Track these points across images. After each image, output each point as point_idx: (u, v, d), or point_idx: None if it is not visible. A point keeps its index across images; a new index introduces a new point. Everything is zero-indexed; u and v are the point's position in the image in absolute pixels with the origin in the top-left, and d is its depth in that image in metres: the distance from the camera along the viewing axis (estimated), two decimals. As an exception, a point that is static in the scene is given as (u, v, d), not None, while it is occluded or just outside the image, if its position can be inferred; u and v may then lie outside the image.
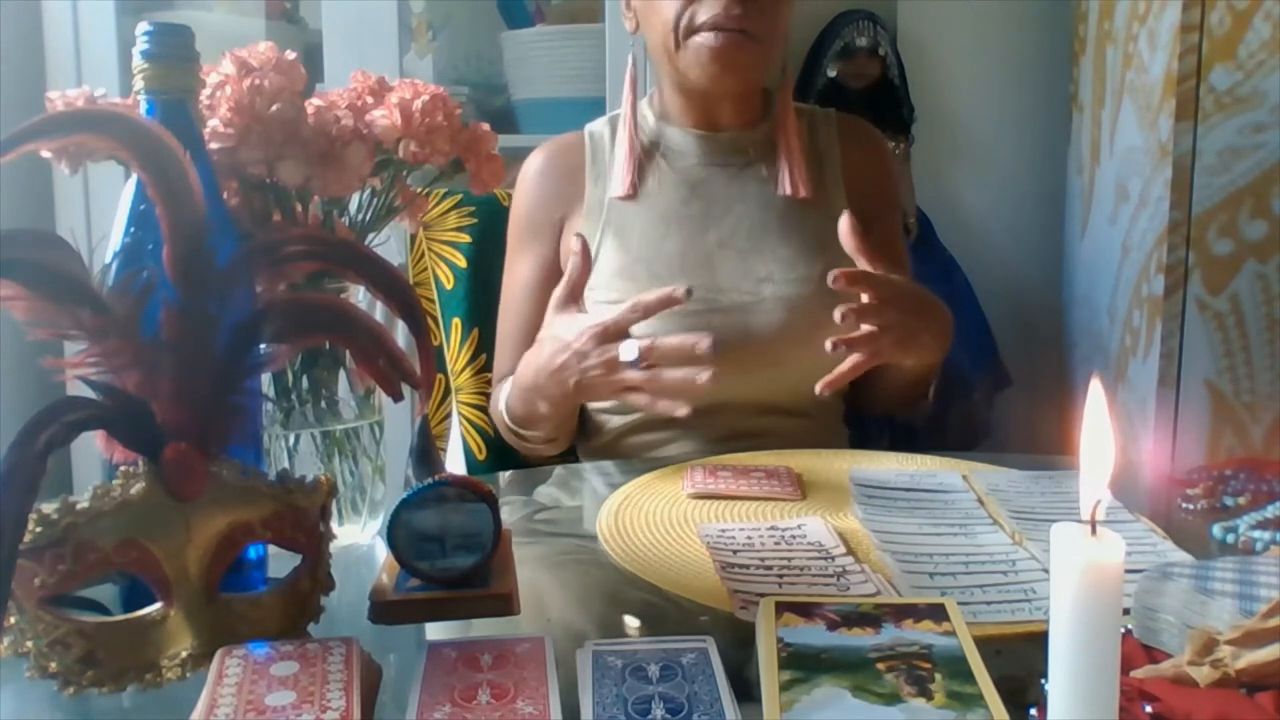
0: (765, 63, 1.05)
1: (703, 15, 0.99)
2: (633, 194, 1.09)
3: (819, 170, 1.11)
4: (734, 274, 1.05)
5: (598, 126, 1.16)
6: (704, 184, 1.09)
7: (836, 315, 0.85)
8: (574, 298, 0.94)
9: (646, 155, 1.11)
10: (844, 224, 0.94)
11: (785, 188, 1.08)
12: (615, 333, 0.89)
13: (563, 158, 1.14)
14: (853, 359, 0.89)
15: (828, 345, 0.87)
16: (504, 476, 0.95)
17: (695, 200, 1.09)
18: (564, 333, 0.92)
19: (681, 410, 0.86)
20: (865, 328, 0.87)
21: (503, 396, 1.05)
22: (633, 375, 0.88)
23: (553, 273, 1.12)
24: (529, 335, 1.12)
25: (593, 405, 1.10)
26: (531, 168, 1.15)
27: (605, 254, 1.08)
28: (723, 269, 1.06)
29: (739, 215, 1.08)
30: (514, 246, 1.15)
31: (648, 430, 1.07)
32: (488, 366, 1.21)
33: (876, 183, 1.15)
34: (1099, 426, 0.39)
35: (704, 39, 1.00)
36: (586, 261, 0.95)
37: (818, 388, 0.90)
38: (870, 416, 1.20)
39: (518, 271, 1.14)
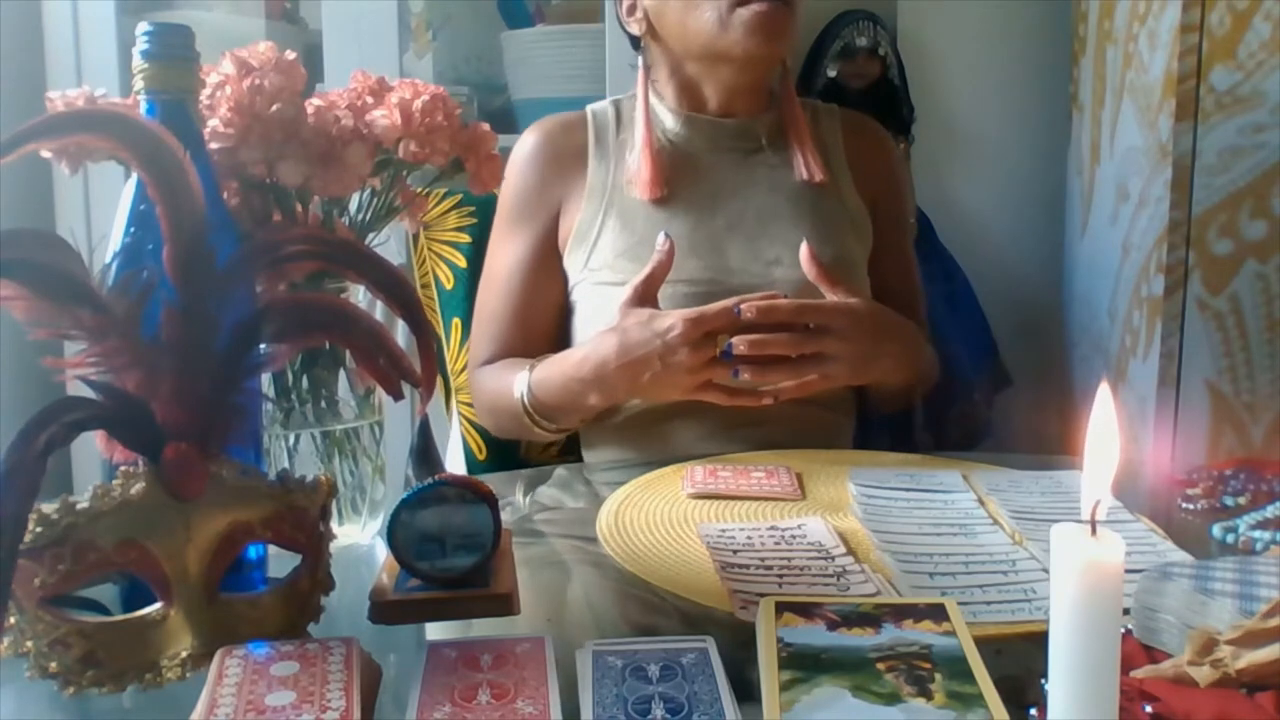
0: (796, 33, 1.06)
1: None
2: (660, 198, 1.07)
3: (824, 160, 1.11)
4: (743, 256, 1.05)
5: (600, 107, 1.15)
6: (713, 169, 1.09)
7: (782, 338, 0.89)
8: (649, 295, 0.94)
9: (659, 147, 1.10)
10: (804, 252, 0.96)
11: (802, 172, 1.08)
12: (705, 330, 0.88)
13: (563, 137, 1.12)
14: (799, 381, 0.91)
15: (766, 389, 0.91)
16: (504, 476, 0.95)
17: (703, 184, 1.08)
18: (641, 327, 0.91)
19: (766, 400, 0.90)
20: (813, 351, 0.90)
21: (518, 382, 1.01)
22: (717, 371, 0.89)
23: (546, 254, 1.10)
24: (515, 317, 1.10)
25: None
26: (526, 147, 1.13)
27: (608, 235, 1.07)
28: (731, 251, 1.06)
29: (747, 199, 1.08)
30: (503, 226, 1.13)
31: (653, 414, 1.06)
32: (487, 366, 1.20)
33: (883, 176, 1.16)
34: (1106, 431, 0.39)
35: (755, 8, 1.00)
36: (670, 259, 0.94)
37: (765, 400, 0.92)
38: (869, 415, 1.19)
39: (505, 252, 1.12)
